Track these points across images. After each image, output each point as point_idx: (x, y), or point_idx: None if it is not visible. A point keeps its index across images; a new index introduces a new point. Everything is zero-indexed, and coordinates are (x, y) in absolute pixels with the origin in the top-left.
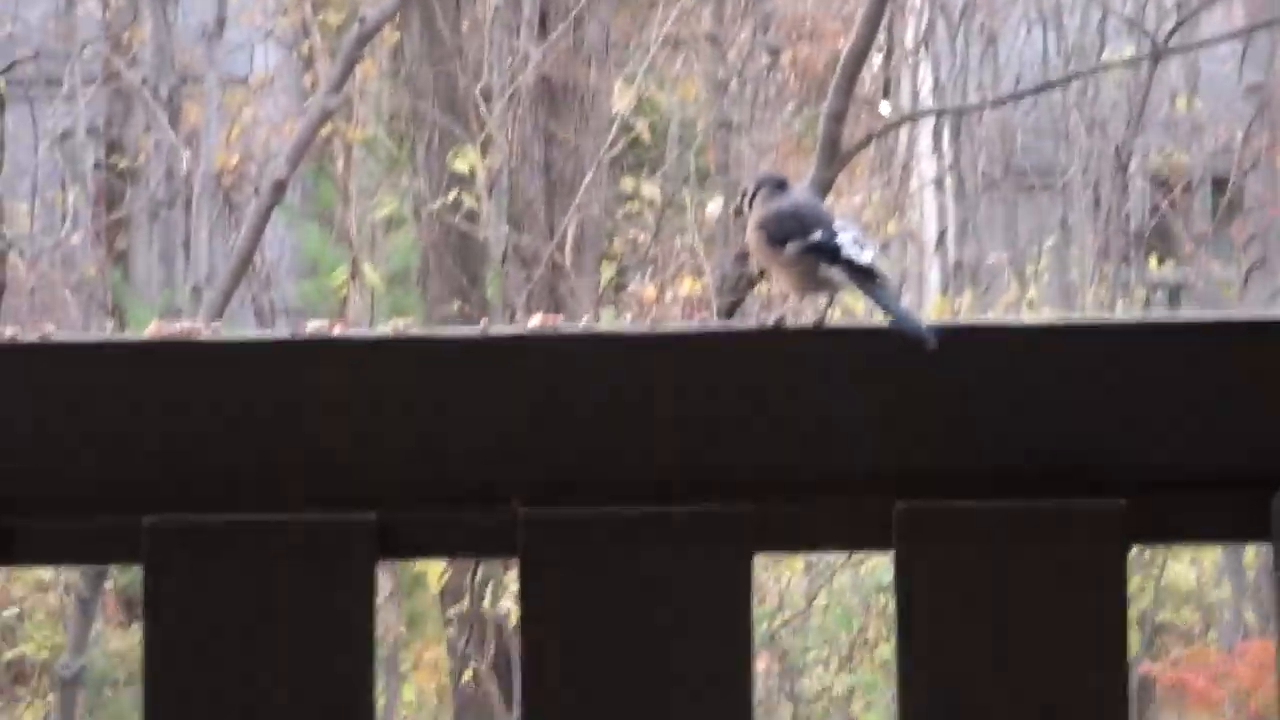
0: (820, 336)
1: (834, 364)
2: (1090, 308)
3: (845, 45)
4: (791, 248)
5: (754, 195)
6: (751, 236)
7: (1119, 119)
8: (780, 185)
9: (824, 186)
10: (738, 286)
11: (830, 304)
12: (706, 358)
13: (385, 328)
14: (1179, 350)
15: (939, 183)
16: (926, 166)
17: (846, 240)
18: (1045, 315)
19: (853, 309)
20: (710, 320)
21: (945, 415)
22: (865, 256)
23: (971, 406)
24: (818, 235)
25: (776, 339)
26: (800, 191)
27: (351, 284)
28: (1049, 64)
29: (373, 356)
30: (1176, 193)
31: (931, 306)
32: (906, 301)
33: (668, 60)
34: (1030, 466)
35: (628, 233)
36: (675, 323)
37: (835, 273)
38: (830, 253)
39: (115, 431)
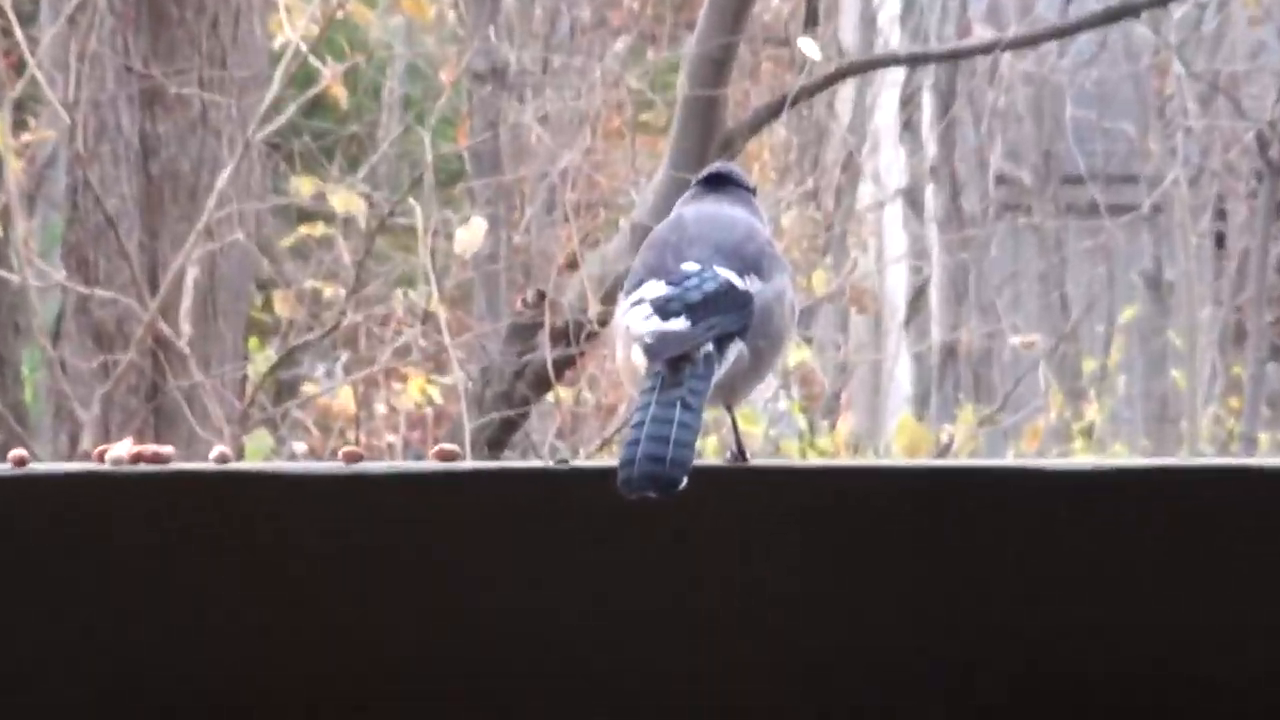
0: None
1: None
2: (1208, 442)
3: None
4: (621, 306)
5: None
6: None
7: (1263, 80)
8: (710, 183)
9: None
10: (513, 391)
11: (643, 419)
12: (430, 514)
13: None
14: None
15: (912, 197)
16: (889, 166)
17: (649, 297)
18: (1121, 459)
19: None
20: (459, 457)
21: None
22: (644, 329)
23: None
24: (650, 287)
25: (565, 488)
26: (714, 200)
27: None
28: None
29: None
30: None
31: (892, 434)
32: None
33: None
34: None
35: (301, 282)
36: (385, 464)
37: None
38: (633, 319)
39: None
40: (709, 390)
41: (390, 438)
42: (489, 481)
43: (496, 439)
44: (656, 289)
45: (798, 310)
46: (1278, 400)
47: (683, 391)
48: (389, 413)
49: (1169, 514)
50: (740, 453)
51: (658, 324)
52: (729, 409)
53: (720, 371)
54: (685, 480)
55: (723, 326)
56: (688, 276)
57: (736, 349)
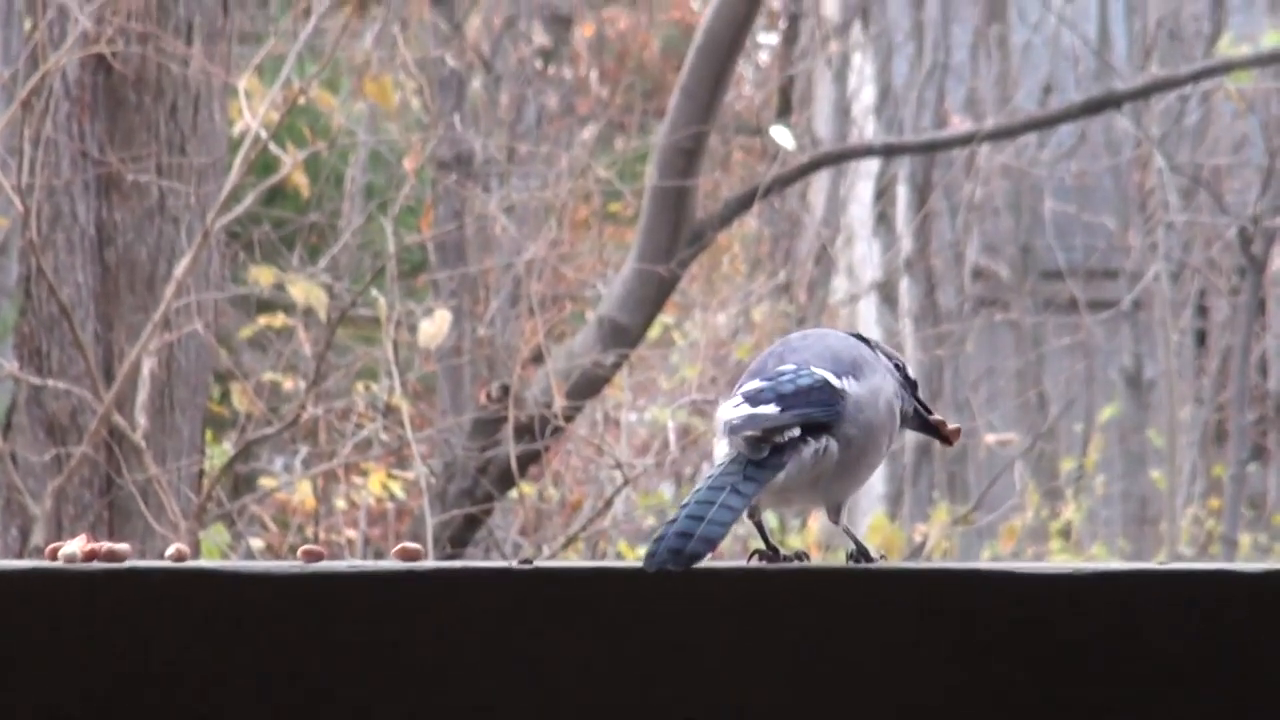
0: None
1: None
2: (1188, 544)
3: (704, 13)
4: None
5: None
6: None
7: (1246, 174)
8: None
9: (657, 289)
10: (476, 487)
11: (689, 500)
12: (392, 614)
13: None
14: None
15: (886, 291)
16: (863, 259)
17: (744, 390)
18: (1100, 563)
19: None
20: (421, 556)
21: None
22: (732, 415)
23: None
24: (748, 385)
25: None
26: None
27: None
28: (1111, 60)
29: None
30: None
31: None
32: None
33: (347, 38)
34: None
35: (260, 373)
36: (346, 563)
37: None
38: (724, 410)
39: None
40: (771, 482)
41: (350, 533)
42: (451, 581)
43: (459, 536)
44: (752, 385)
45: (899, 413)
46: (1259, 501)
47: (738, 478)
48: (349, 508)
49: (1149, 617)
50: (862, 552)
51: (747, 410)
52: (831, 514)
53: (798, 463)
54: (708, 554)
55: (811, 415)
56: (783, 374)
57: (822, 442)
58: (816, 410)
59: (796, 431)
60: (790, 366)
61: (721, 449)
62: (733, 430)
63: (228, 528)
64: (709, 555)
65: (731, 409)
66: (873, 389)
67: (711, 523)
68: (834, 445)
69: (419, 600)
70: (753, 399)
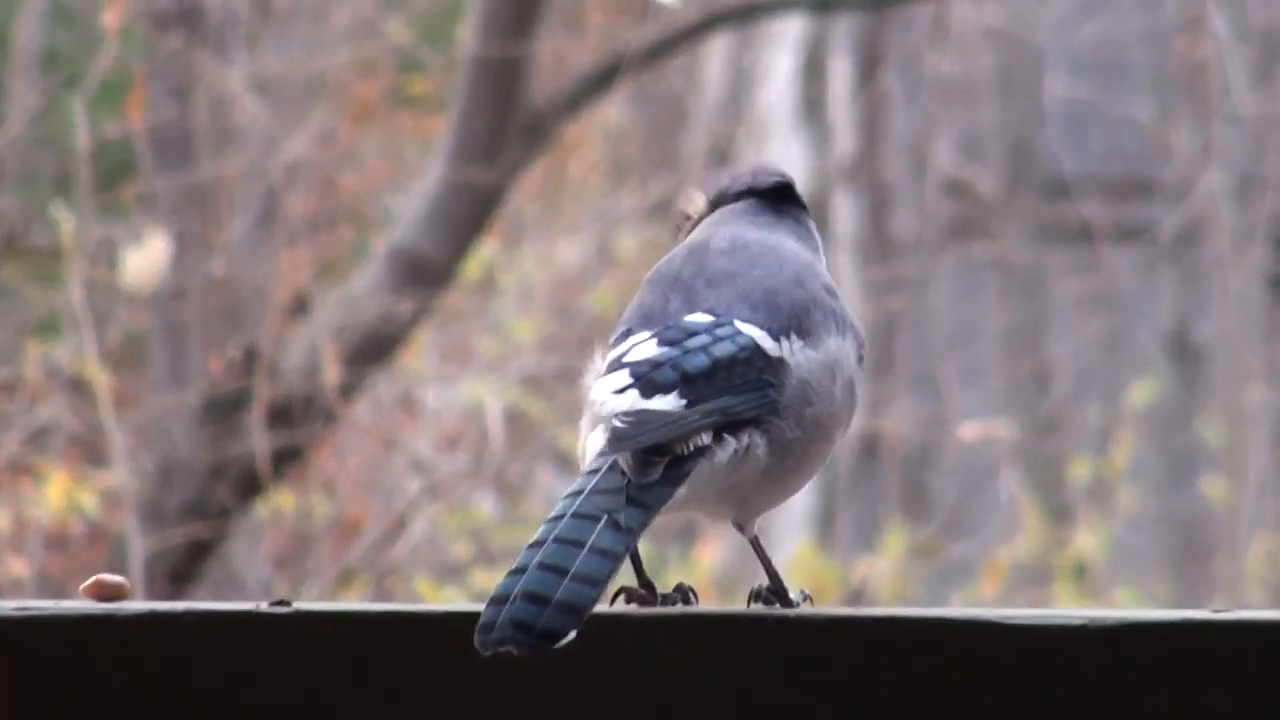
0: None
1: None
2: (1257, 584)
3: None
4: (592, 368)
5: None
6: None
7: None
8: (760, 196)
9: (475, 206)
10: (208, 498)
11: (544, 536)
12: (82, 672)
13: None
14: None
15: (817, 211)
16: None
17: (633, 359)
18: (1127, 610)
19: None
20: (126, 595)
21: None
22: (614, 406)
23: None
24: (637, 344)
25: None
26: (757, 221)
27: None
28: None
29: None
30: None
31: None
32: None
33: None
34: None
35: None
36: (11, 604)
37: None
38: (601, 390)
39: None
40: (668, 503)
41: (17, 565)
42: (169, 630)
43: (182, 568)
44: (644, 349)
45: (859, 388)
46: None
47: (618, 503)
48: (16, 528)
49: (1198, 687)
50: (776, 591)
51: (634, 400)
52: (740, 528)
53: (708, 470)
54: (573, 632)
55: (732, 410)
56: (693, 333)
57: (743, 441)
58: (741, 402)
59: (708, 437)
60: (703, 319)
61: (595, 442)
62: (617, 438)
63: None
64: (573, 631)
65: (611, 393)
66: (827, 360)
67: (578, 579)
68: (761, 446)
69: (121, 655)
70: (645, 381)
